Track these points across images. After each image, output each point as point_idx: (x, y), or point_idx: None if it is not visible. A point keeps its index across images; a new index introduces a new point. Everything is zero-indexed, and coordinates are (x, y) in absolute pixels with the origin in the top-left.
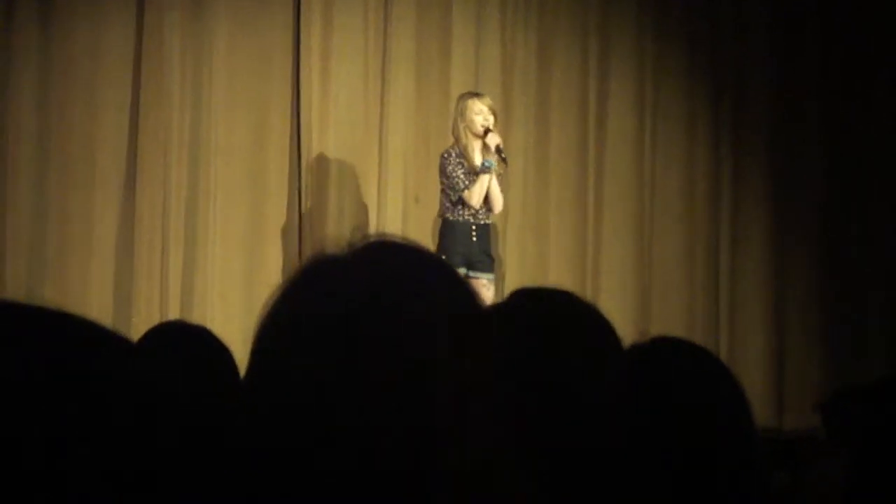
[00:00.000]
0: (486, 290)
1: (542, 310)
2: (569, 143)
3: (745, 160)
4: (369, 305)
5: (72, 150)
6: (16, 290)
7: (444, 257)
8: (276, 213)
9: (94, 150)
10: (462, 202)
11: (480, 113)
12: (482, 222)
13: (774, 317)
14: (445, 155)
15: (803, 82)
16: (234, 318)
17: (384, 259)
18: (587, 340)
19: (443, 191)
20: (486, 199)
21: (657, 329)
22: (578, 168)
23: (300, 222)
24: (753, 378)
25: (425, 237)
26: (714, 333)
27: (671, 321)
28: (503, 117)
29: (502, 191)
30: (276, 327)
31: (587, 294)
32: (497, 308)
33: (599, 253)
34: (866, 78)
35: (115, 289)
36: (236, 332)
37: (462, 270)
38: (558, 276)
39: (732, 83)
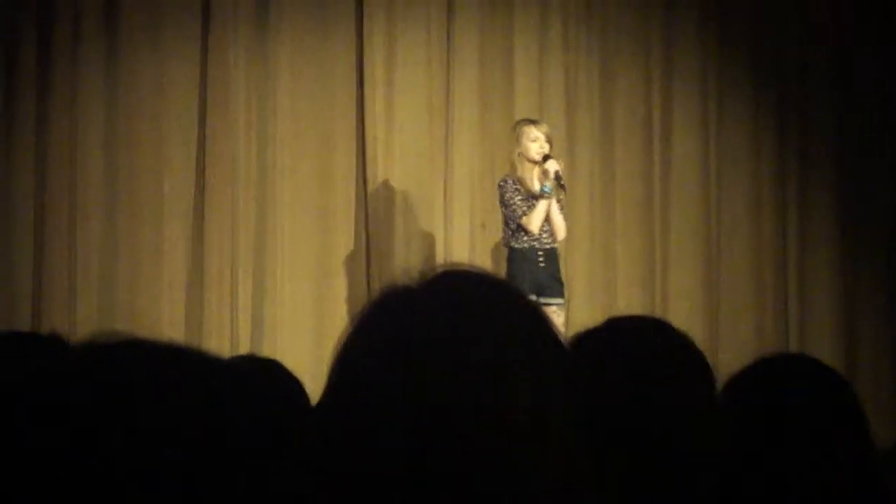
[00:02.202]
0: (557, 316)
1: (636, 338)
2: (634, 165)
3: (811, 180)
4: (444, 335)
5: (140, 185)
6: (87, 326)
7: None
8: (344, 243)
9: (162, 184)
10: (523, 229)
11: (536, 140)
12: (548, 247)
13: (845, 338)
14: (502, 183)
15: (870, 99)
16: (304, 348)
17: (457, 288)
18: (679, 371)
19: (504, 219)
20: (549, 225)
21: (727, 351)
22: (644, 191)
23: (368, 252)
24: None
25: (492, 264)
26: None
27: (741, 343)
28: (568, 141)
29: (564, 217)
30: (351, 358)
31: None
32: (590, 335)
33: (667, 276)
34: None
35: (185, 323)
36: (306, 362)
37: (532, 297)
38: (626, 299)
39: (798, 102)
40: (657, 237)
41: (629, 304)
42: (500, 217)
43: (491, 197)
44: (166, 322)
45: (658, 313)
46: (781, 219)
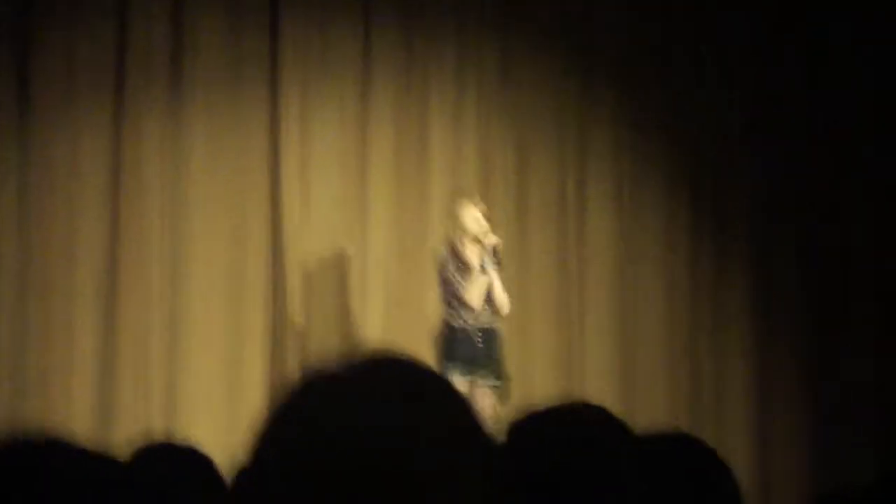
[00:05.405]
0: (488, 397)
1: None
2: (549, 243)
3: (726, 257)
4: (363, 423)
5: (51, 267)
6: None
7: (447, 363)
8: (258, 324)
9: (74, 266)
10: (464, 306)
11: (475, 216)
12: (486, 326)
13: (760, 415)
14: (441, 260)
15: (782, 180)
16: (217, 430)
17: (381, 374)
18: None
19: (441, 296)
20: (490, 301)
21: (642, 427)
22: (560, 270)
23: (282, 333)
24: (738, 475)
25: (408, 344)
26: (699, 433)
27: (656, 421)
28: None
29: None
30: (269, 443)
31: (573, 397)
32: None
33: (584, 355)
34: (842, 176)
35: (98, 404)
36: (221, 445)
37: (467, 377)
38: (543, 379)
39: (711, 181)
40: (573, 313)
41: (545, 382)
42: (419, 293)
43: (406, 275)
44: (78, 404)
45: (575, 390)
46: (696, 298)
